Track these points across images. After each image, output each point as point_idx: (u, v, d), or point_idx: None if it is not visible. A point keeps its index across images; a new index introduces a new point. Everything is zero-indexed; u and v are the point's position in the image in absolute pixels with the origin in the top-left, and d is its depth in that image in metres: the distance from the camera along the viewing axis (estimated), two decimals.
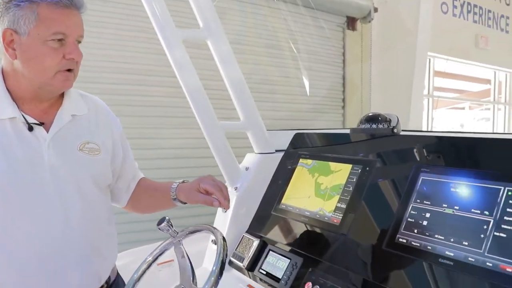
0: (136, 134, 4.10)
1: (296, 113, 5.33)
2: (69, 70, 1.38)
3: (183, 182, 1.67)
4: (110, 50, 4.19)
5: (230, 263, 1.86)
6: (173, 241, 1.63)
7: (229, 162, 1.89)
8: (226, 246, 1.44)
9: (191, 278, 1.52)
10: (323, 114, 5.77)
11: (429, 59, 7.53)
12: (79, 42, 1.40)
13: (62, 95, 1.47)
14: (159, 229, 1.58)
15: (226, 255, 1.42)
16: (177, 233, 1.61)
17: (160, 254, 1.66)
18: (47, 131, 1.39)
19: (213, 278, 1.35)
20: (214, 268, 1.37)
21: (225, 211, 1.92)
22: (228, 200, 1.58)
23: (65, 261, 1.41)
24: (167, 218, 1.58)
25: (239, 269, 1.81)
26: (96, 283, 1.54)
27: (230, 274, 1.84)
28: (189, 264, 1.55)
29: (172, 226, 1.59)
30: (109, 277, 1.64)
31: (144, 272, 1.63)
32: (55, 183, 1.38)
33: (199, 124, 1.83)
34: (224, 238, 1.46)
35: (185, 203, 1.66)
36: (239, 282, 1.76)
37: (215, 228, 1.52)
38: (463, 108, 10.70)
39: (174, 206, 1.71)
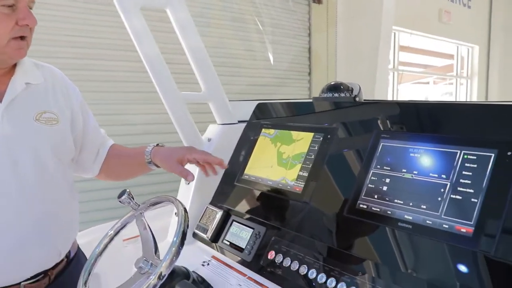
0: (102, 110, 4.00)
1: (262, 86, 5.30)
2: (22, 38, 1.32)
3: (158, 145, 1.64)
4: (74, 24, 4.04)
5: (194, 235, 1.85)
6: (135, 213, 1.60)
7: (191, 134, 1.86)
8: (187, 217, 1.42)
9: (154, 250, 1.50)
10: (289, 85, 5.75)
11: (394, 33, 7.59)
12: (31, 8, 1.33)
13: (15, 66, 1.41)
14: (120, 202, 1.55)
15: (187, 226, 1.40)
16: (139, 205, 1.58)
17: (122, 228, 1.63)
18: (0, 101, 1.33)
19: (174, 249, 1.33)
20: (175, 239, 1.35)
21: (188, 183, 1.90)
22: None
23: (22, 235, 1.37)
24: (127, 190, 1.55)
25: (203, 240, 1.80)
26: (56, 258, 1.51)
27: (194, 246, 1.83)
28: (151, 236, 1.53)
29: (133, 199, 1.56)
30: (69, 252, 1.60)
31: (106, 246, 1.60)
32: (10, 154, 1.33)
33: (160, 95, 1.79)
34: (185, 209, 1.44)
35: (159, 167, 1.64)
36: (204, 253, 1.75)
37: (176, 199, 1.50)
38: (428, 83, 10.87)
39: (149, 171, 1.69)
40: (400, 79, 8.29)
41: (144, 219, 1.57)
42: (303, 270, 1.37)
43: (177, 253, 1.34)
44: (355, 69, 6.07)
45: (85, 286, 1.49)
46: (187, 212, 1.43)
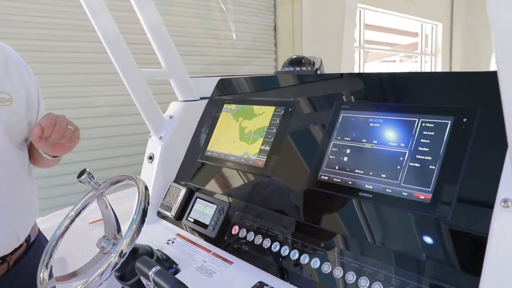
0: (66, 92, 3.89)
1: (226, 65, 5.22)
2: None
3: None
4: (37, 3, 3.88)
5: (158, 214, 1.82)
6: (96, 193, 1.56)
7: (152, 111, 1.82)
8: (148, 194, 1.39)
9: (116, 230, 1.47)
10: (254, 62, 5.68)
11: (360, 11, 7.60)
12: None
13: None
14: (80, 181, 1.51)
15: (148, 203, 1.37)
16: (99, 184, 1.54)
17: (83, 208, 1.59)
18: None
19: (134, 226, 1.30)
20: (135, 216, 1.32)
21: (151, 162, 1.86)
22: (44, 129, 1.32)
23: None
24: (87, 170, 1.51)
25: (167, 219, 1.77)
26: (15, 243, 1.46)
27: (159, 225, 1.81)
28: (113, 216, 1.50)
29: (94, 178, 1.52)
30: (29, 236, 1.56)
31: (67, 227, 1.57)
32: None
33: (119, 72, 1.73)
34: (146, 187, 1.41)
35: (54, 156, 1.51)
36: (168, 232, 1.72)
37: (137, 177, 1.47)
38: (394, 61, 10.96)
39: (54, 162, 1.59)
40: (366, 58, 8.34)
41: (105, 199, 1.53)
42: (267, 243, 1.36)
43: (138, 231, 1.31)
44: (321, 46, 6.06)
45: (46, 268, 1.45)
46: (147, 190, 1.40)
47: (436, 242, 1.06)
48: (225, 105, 1.82)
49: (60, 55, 3.97)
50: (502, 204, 0.90)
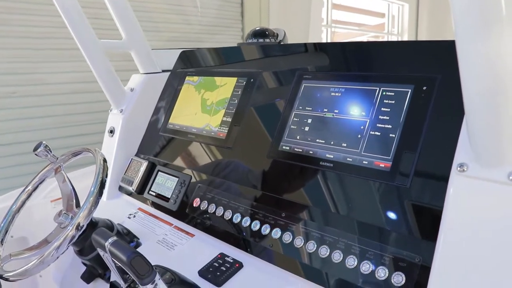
0: (23, 68, 3.73)
1: (191, 36, 5.07)
2: None
3: None
4: None
5: (120, 188, 1.77)
6: (53, 167, 1.50)
7: (112, 84, 1.76)
8: (107, 166, 1.34)
9: (74, 204, 1.43)
10: (221, 34, 5.55)
11: None
12: None
13: None
14: (36, 155, 1.45)
15: (106, 175, 1.33)
16: (57, 158, 1.49)
17: (41, 182, 1.54)
18: None
19: (91, 199, 1.26)
20: (92, 188, 1.28)
21: (112, 135, 1.80)
22: None
23: None
24: (43, 143, 1.45)
25: (129, 193, 1.72)
26: None
27: (120, 199, 1.76)
28: (72, 189, 1.45)
29: (51, 151, 1.47)
30: None
31: (24, 202, 1.51)
32: None
33: (77, 42, 1.66)
34: (104, 159, 1.36)
35: None
36: (130, 206, 1.68)
37: (95, 149, 1.41)
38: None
39: None
40: (334, 38, 8.32)
41: (63, 172, 1.48)
42: (228, 215, 1.33)
43: (95, 203, 1.27)
44: (288, 26, 6.00)
45: (1, 244, 1.40)
46: (106, 162, 1.35)
47: (396, 210, 1.05)
48: (187, 77, 1.77)
49: (13, 29, 3.79)
50: (458, 168, 0.89)
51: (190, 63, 1.83)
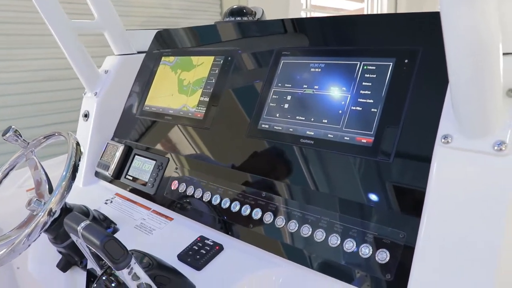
0: None
1: (168, 18, 4.90)
2: None
3: None
4: None
5: (97, 174, 1.71)
6: (24, 152, 1.44)
7: (85, 66, 1.68)
8: (80, 150, 1.28)
9: (47, 190, 1.36)
10: (198, 16, 5.41)
11: None
12: None
13: None
14: (5, 140, 1.39)
15: (79, 159, 1.26)
16: (28, 143, 1.42)
17: (11, 169, 1.47)
18: None
19: (64, 183, 1.20)
20: (64, 173, 1.22)
21: (86, 120, 1.73)
22: None
23: None
24: (12, 127, 1.38)
25: (105, 178, 1.66)
26: None
27: (97, 185, 1.70)
28: (44, 175, 1.39)
29: (21, 136, 1.40)
30: None
31: None
32: None
33: (47, 23, 1.58)
34: (78, 143, 1.30)
35: None
36: (107, 192, 1.62)
37: (68, 132, 1.35)
38: None
39: None
40: None
41: (35, 158, 1.41)
42: (207, 197, 1.29)
43: (68, 187, 1.21)
44: (266, 9, 5.91)
45: None
46: (79, 145, 1.29)
47: (379, 186, 1.02)
48: (163, 58, 1.70)
49: None
50: (442, 140, 0.85)
51: (166, 43, 1.76)
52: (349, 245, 0.98)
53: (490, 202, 0.79)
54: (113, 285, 1.05)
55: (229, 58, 1.45)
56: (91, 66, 1.70)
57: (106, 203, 1.54)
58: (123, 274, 0.94)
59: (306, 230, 1.06)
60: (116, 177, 1.60)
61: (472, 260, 0.79)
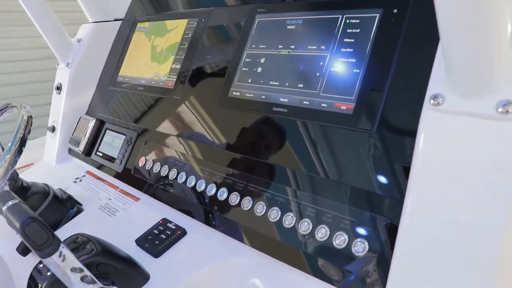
0: None
1: None
2: None
3: None
4: None
5: (70, 151, 1.54)
6: None
7: (55, 34, 1.50)
8: (31, 122, 1.11)
9: None
10: None
11: None
12: None
13: None
14: None
15: (29, 131, 1.09)
16: None
17: None
18: None
19: (8, 156, 1.02)
20: (10, 145, 1.04)
21: (59, 93, 1.56)
22: None
23: None
24: None
25: (77, 156, 1.49)
26: None
27: (70, 163, 1.53)
28: (1, 149, 1.22)
29: None
30: None
31: None
32: None
33: None
34: (30, 116, 1.12)
35: None
36: (78, 170, 1.45)
37: (22, 104, 1.17)
38: None
39: None
40: None
41: None
42: (173, 174, 1.10)
43: (12, 162, 1.03)
44: None
45: None
46: (31, 118, 1.12)
47: (359, 162, 0.81)
48: (138, 24, 1.51)
49: None
50: (432, 101, 0.64)
51: (145, 8, 1.56)
52: (322, 233, 0.79)
53: (493, 178, 0.58)
54: (48, 273, 0.88)
55: (203, 20, 1.25)
56: (63, 35, 1.52)
57: (75, 182, 1.38)
58: (51, 261, 0.77)
59: (274, 214, 0.87)
60: (87, 154, 1.43)
61: (468, 252, 0.59)
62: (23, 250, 1.26)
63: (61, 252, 0.78)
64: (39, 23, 1.45)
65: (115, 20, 1.62)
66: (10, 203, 0.85)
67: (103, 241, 0.94)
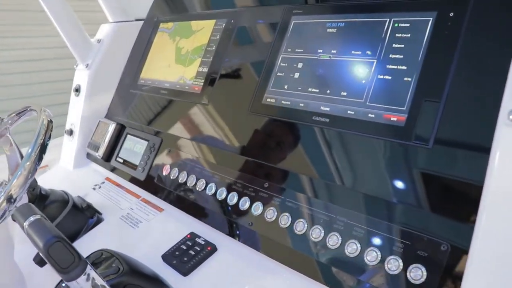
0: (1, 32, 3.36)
1: None
2: None
3: None
4: None
5: (88, 155, 1.47)
6: None
7: (75, 33, 1.43)
8: (51, 127, 1.04)
9: None
10: None
11: None
12: None
13: None
14: None
15: (50, 137, 1.02)
16: (2, 119, 1.19)
17: None
18: None
19: (28, 164, 0.95)
20: (30, 151, 0.97)
21: (77, 94, 1.49)
22: None
23: None
24: None
25: (96, 161, 1.42)
26: None
27: (88, 168, 1.46)
28: (19, 154, 1.15)
29: None
30: None
31: None
32: None
33: None
34: (51, 120, 1.05)
35: None
36: (97, 176, 1.38)
37: (42, 108, 1.11)
38: None
39: None
40: None
41: (9, 136, 1.18)
42: (201, 185, 1.03)
43: (33, 170, 0.96)
44: None
45: None
46: (51, 122, 1.05)
47: (413, 179, 0.74)
48: (161, 25, 1.44)
49: None
50: (511, 117, 0.57)
51: (167, 8, 1.49)
52: (372, 256, 0.71)
53: None
54: None
55: (232, 21, 1.17)
56: (82, 35, 1.45)
57: (94, 189, 1.31)
58: (77, 285, 0.70)
59: (317, 233, 0.79)
60: (107, 159, 1.36)
61: None
62: (40, 261, 1.20)
63: (87, 274, 0.71)
64: (58, 22, 1.39)
65: (136, 20, 1.54)
66: (32, 218, 0.78)
67: (130, 259, 0.87)
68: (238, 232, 0.92)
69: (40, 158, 0.98)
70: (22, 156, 1.16)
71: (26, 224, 0.77)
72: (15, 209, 0.87)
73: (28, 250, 1.27)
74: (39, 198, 1.13)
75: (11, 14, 3.36)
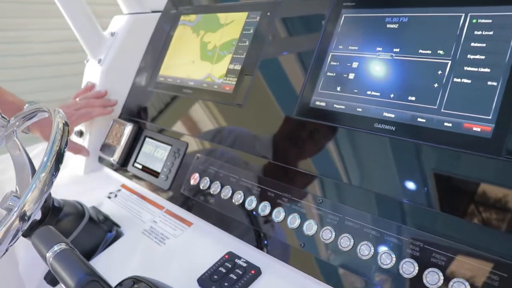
0: (5, 24, 3.22)
1: None
2: None
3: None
4: None
5: (101, 159, 1.35)
6: (4, 133, 1.08)
7: (86, 26, 1.31)
8: (68, 131, 0.91)
9: (30, 176, 1.01)
10: None
11: None
12: None
13: None
14: None
15: (67, 143, 0.90)
16: (8, 121, 1.07)
17: None
18: None
19: (43, 175, 0.83)
20: (45, 159, 0.85)
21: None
22: None
23: None
24: None
25: (110, 166, 1.31)
26: None
27: (101, 173, 1.35)
28: (27, 161, 1.03)
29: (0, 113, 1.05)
30: None
31: None
32: None
33: None
34: (66, 123, 0.93)
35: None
36: (111, 182, 1.26)
37: (56, 109, 0.99)
38: None
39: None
40: None
41: (17, 140, 1.05)
42: (238, 198, 0.92)
43: (49, 182, 0.84)
44: None
45: None
46: (67, 126, 0.92)
47: (504, 200, 0.64)
48: (182, 17, 1.32)
49: None
50: None
51: (187, 0, 1.37)
52: None
53: None
54: None
55: (268, 14, 1.06)
56: (94, 27, 1.33)
57: (109, 197, 1.19)
58: None
59: (387, 259, 0.68)
60: (123, 165, 1.24)
61: None
62: (51, 280, 1.08)
63: None
64: (70, 15, 1.26)
65: (153, 12, 1.42)
66: (56, 249, 0.66)
67: (162, 284, 0.76)
68: (286, 254, 0.81)
69: (56, 168, 0.86)
70: (31, 163, 1.04)
71: (49, 254, 0.65)
72: (34, 234, 0.75)
73: (32, 261, 1.15)
74: (52, 211, 1.01)
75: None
